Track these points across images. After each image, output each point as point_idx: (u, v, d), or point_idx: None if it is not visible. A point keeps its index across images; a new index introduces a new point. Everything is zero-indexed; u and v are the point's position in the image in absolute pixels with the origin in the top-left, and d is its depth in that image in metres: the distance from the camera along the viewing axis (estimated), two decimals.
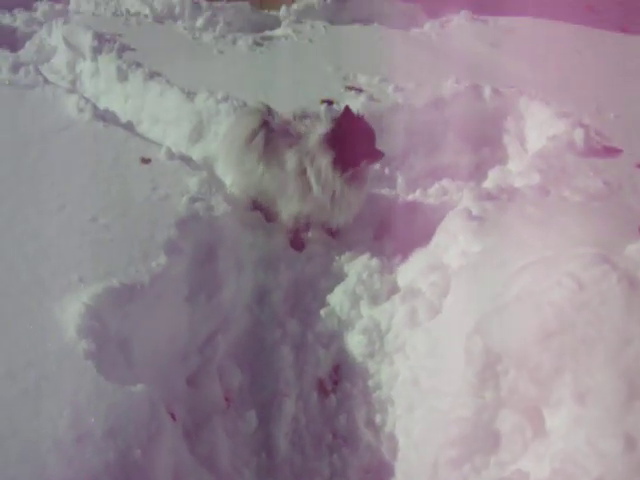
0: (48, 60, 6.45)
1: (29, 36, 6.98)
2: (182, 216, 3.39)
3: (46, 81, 4.84)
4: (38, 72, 4.87)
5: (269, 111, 3.99)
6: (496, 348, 2.63)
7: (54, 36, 6.61)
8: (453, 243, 3.52)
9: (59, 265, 2.85)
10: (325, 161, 3.71)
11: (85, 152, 3.87)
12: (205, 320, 3.29)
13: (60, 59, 6.34)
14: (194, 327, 3.23)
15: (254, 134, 3.86)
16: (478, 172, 5.07)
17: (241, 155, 3.97)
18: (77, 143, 3.99)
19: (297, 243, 4.09)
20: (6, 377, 2.24)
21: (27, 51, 6.58)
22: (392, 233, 4.21)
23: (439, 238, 3.68)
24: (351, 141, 3.72)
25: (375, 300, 3.62)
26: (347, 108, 3.76)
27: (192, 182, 3.71)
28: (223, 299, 3.39)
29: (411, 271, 3.73)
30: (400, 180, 4.77)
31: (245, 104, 4.74)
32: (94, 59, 5.78)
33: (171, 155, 3.96)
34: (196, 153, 4.68)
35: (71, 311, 2.55)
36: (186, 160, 4.10)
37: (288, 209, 3.96)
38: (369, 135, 3.82)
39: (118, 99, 5.40)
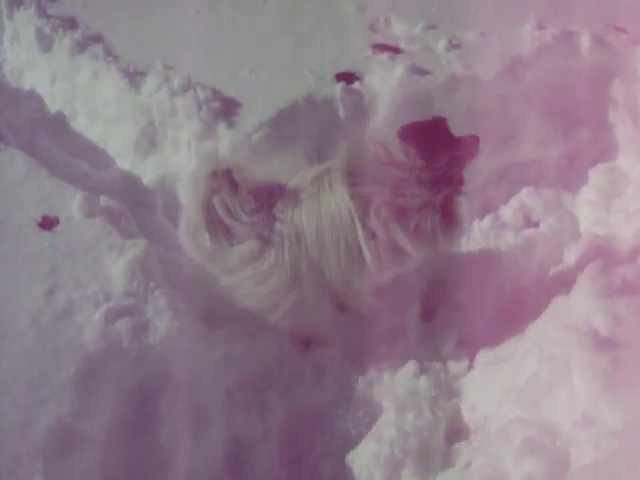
0: None
1: None
2: (91, 358, 1.92)
3: None
4: None
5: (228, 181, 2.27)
6: None
7: None
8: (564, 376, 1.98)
9: None
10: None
11: None
12: None
13: None
14: None
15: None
16: (573, 172, 3.44)
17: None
18: None
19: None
20: None
21: None
22: (451, 308, 2.67)
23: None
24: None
25: (426, 468, 2.14)
26: None
27: (116, 271, 2.21)
28: None
29: (492, 404, 2.23)
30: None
31: (217, 93, 3.05)
32: (10, 16, 4.02)
33: (89, 210, 2.43)
34: (149, 171, 3.10)
35: None
36: (114, 213, 2.51)
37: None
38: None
39: (44, 77, 3.71)
